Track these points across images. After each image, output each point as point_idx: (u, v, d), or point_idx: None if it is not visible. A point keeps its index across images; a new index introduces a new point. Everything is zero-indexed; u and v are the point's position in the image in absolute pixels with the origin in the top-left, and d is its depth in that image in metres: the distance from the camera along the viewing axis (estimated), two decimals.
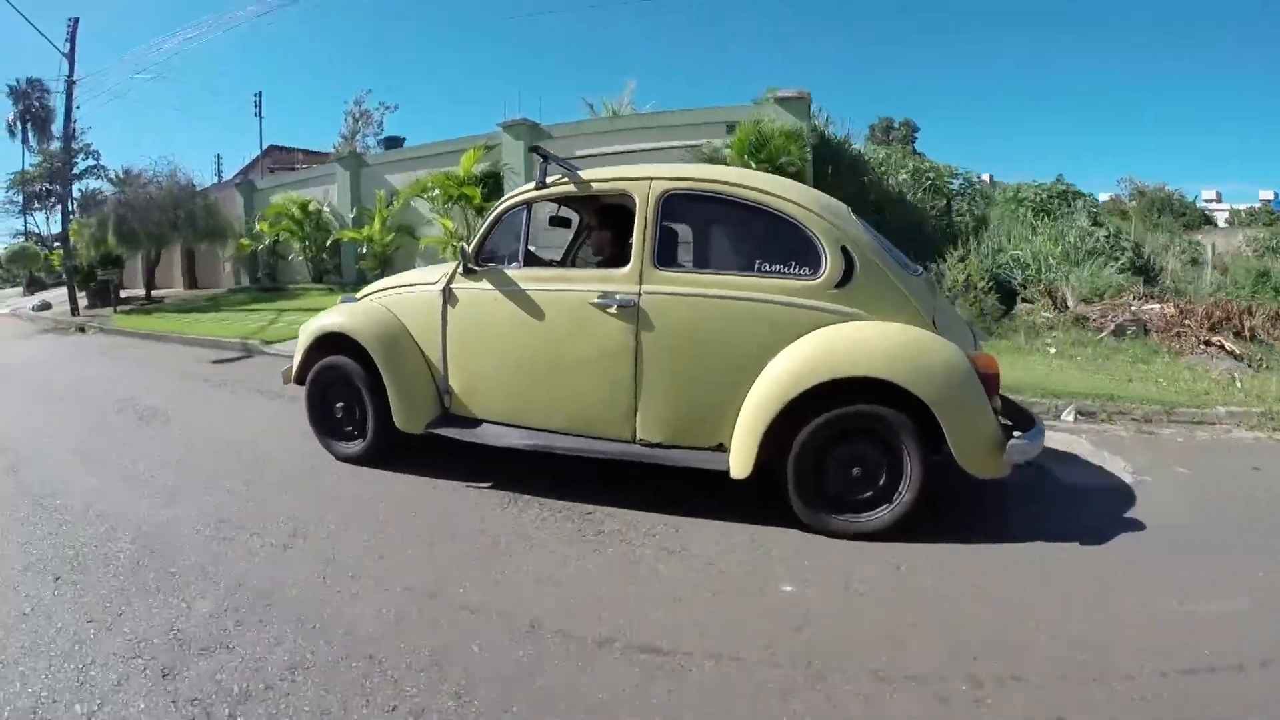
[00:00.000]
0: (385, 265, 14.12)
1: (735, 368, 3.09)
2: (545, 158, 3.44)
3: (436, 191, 13.11)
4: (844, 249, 3.06)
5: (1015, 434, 3.07)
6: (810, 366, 2.95)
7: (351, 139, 28.83)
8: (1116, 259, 10.47)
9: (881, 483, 3.01)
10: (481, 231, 3.59)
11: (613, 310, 3.19)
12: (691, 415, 3.20)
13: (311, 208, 16.77)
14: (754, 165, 9.18)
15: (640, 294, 3.16)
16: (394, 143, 20.44)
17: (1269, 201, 33.19)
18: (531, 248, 3.58)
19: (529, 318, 3.38)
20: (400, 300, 3.87)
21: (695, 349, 3.14)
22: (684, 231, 3.31)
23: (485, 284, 3.51)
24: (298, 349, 4.12)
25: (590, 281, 3.29)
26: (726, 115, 11.41)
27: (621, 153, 11.47)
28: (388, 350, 3.72)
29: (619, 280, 3.22)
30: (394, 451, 3.84)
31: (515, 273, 3.46)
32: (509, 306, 3.43)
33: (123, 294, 16.95)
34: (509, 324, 3.44)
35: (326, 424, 4.04)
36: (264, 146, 32.78)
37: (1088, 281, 9.36)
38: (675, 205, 3.21)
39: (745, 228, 3.26)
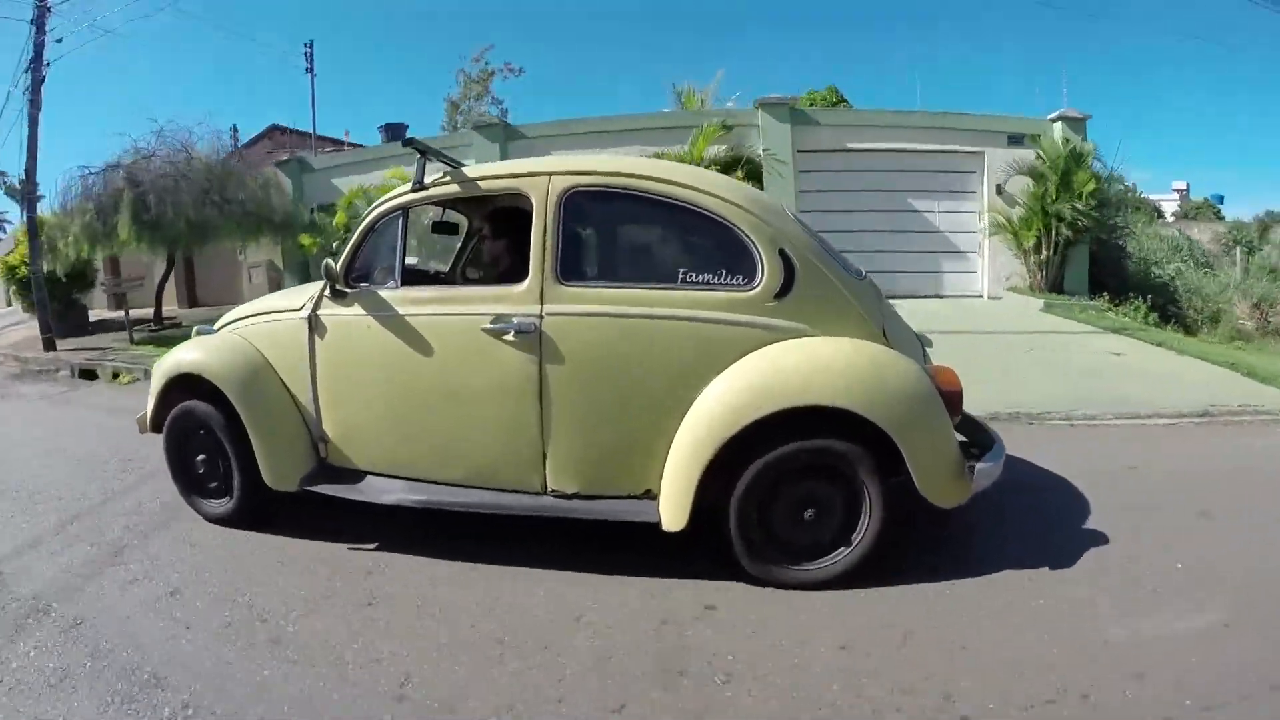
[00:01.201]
0: None
1: (661, 400, 2.52)
2: (422, 152, 2.78)
3: None
4: (782, 252, 2.53)
5: (975, 456, 2.64)
6: (752, 396, 2.41)
7: (458, 110, 21.65)
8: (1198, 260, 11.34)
9: (837, 523, 2.52)
10: (351, 245, 2.91)
11: (509, 337, 2.57)
12: (612, 459, 2.61)
13: None
14: (1057, 192, 8.96)
15: (542, 316, 2.55)
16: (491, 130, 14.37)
17: (1183, 191, 34.58)
18: (414, 260, 2.93)
19: (409, 349, 2.72)
20: (262, 331, 3.14)
21: (612, 380, 2.55)
22: (592, 238, 2.71)
23: (357, 309, 2.83)
24: (151, 391, 3.34)
25: (480, 302, 2.65)
26: (1010, 126, 10.63)
27: (894, 150, 10.53)
28: (248, 393, 2.99)
29: (515, 299, 2.59)
30: (278, 504, 3.09)
31: (391, 294, 2.78)
32: (385, 336, 2.75)
33: (95, 317, 12.49)
34: (386, 357, 2.77)
35: (189, 479, 3.27)
36: (312, 116, 23.80)
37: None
38: (580, 206, 2.61)
39: (666, 231, 2.70)
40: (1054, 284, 10.10)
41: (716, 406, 2.45)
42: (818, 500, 2.51)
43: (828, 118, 11.24)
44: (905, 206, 10.78)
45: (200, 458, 3.20)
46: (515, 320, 2.55)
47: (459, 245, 3.69)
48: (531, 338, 2.54)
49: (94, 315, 12.74)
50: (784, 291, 2.52)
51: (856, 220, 10.43)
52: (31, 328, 11.52)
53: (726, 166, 10.03)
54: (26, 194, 10.86)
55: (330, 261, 2.83)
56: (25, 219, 11.67)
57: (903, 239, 10.66)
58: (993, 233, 10.58)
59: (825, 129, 10.96)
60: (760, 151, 10.57)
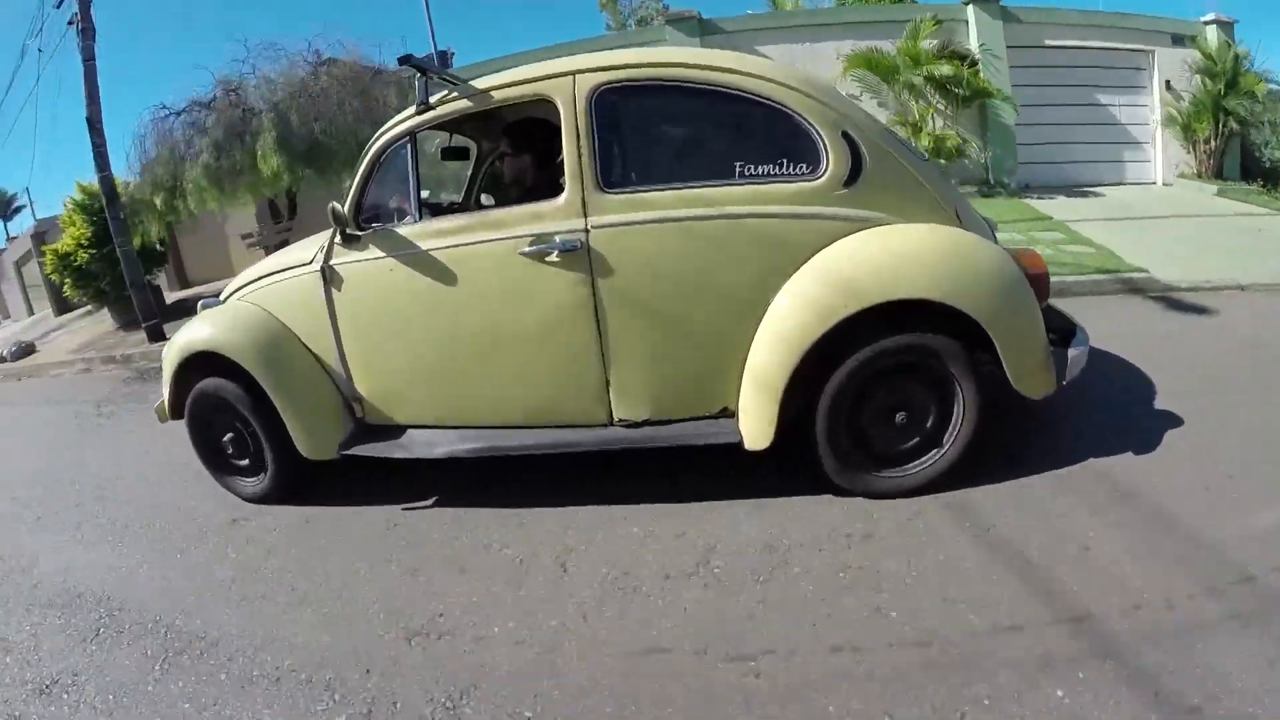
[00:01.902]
0: None
1: (732, 308, 2.27)
2: (422, 70, 2.42)
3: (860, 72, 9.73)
4: (846, 135, 2.24)
5: (1054, 343, 2.41)
6: (835, 294, 2.16)
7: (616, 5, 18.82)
8: None
9: (929, 425, 2.32)
10: (357, 182, 2.56)
11: (553, 258, 2.28)
12: (682, 379, 2.37)
13: None
14: (1226, 90, 9.67)
15: (587, 230, 2.25)
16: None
17: None
18: (425, 193, 2.60)
19: (441, 286, 2.42)
20: (273, 293, 2.83)
21: (673, 292, 2.28)
22: (632, 139, 2.37)
23: (375, 251, 2.52)
24: (164, 377, 3.04)
25: (514, 225, 2.33)
26: (1173, 27, 11.10)
27: (1081, 47, 10.69)
28: (270, 363, 2.70)
29: (554, 216, 2.29)
30: (318, 472, 2.84)
31: (411, 230, 2.46)
32: (411, 276, 2.45)
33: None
34: (416, 299, 2.47)
35: (219, 460, 3.02)
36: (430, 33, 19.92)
37: None
38: (613, 105, 2.27)
39: (714, 123, 2.37)
40: (1216, 172, 10.95)
41: (796, 308, 2.20)
42: (907, 401, 2.31)
43: (1029, 15, 10.96)
44: (1091, 100, 11.16)
45: (228, 437, 2.94)
46: (558, 238, 2.26)
47: (470, 173, 3.34)
48: (578, 255, 2.25)
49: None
50: (853, 178, 2.24)
51: (1050, 114, 10.76)
52: (85, 328, 10.54)
53: (945, 61, 9.82)
54: (96, 148, 8.01)
55: (336, 205, 2.50)
56: (64, 207, 9.97)
57: (1090, 131, 11.10)
58: (1165, 124, 11.20)
59: (1026, 26, 10.85)
60: (976, 47, 10.39)
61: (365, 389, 2.68)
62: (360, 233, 2.54)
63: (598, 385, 2.38)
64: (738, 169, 2.26)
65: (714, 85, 2.25)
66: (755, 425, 2.27)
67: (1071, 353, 2.35)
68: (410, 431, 2.67)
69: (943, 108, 10.10)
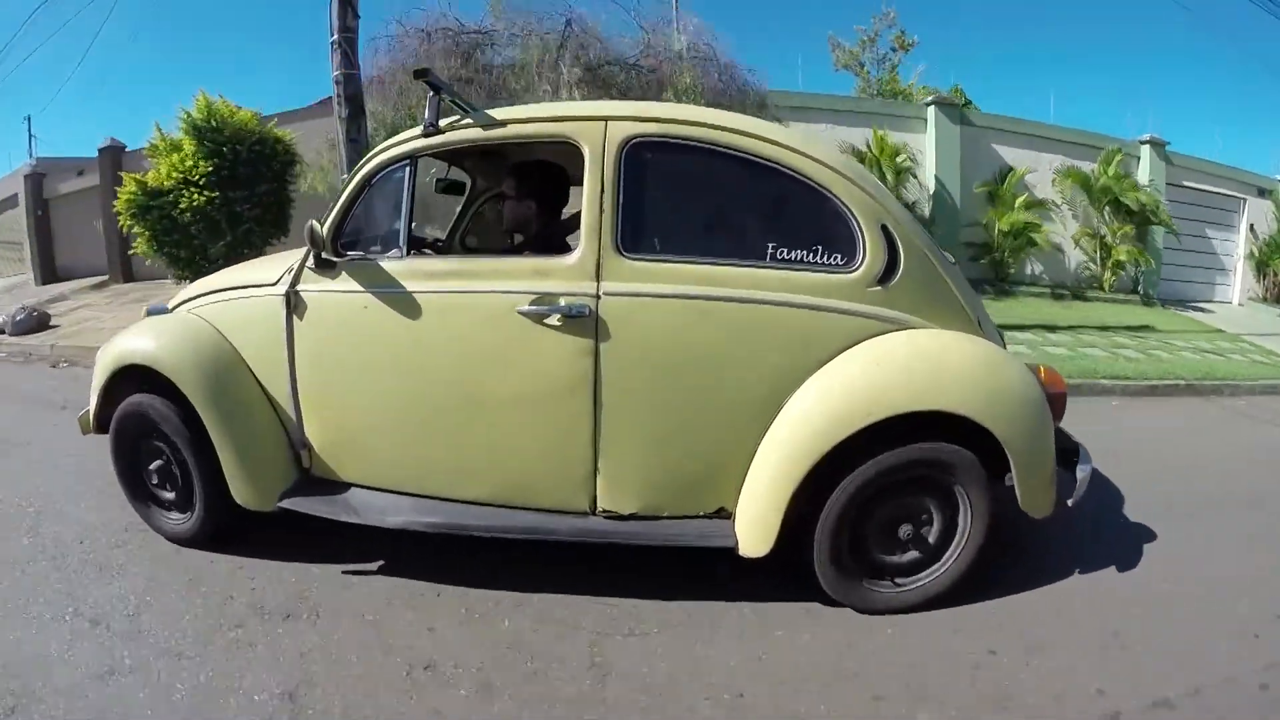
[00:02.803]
0: (1000, 268, 11.33)
1: (745, 401, 2.02)
2: (437, 88, 2.12)
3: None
4: (885, 229, 2.05)
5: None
6: (859, 400, 1.94)
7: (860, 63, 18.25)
8: None
9: (932, 540, 2.12)
10: (342, 202, 2.23)
11: (554, 321, 1.97)
12: (680, 472, 2.08)
13: (902, 160, 10.59)
14: None
15: (599, 295, 1.96)
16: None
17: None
18: (414, 225, 2.28)
19: (420, 335, 2.09)
20: (228, 311, 2.44)
21: (685, 376, 2.00)
22: (661, 200, 2.10)
23: (350, 284, 2.17)
24: (93, 385, 2.60)
25: (515, 277, 2.03)
26: (1260, 182, 14.25)
27: (1199, 189, 13.50)
28: (214, 390, 2.30)
29: (563, 275, 1.99)
30: (253, 518, 2.39)
31: (394, 266, 2.14)
32: (387, 318, 2.11)
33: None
34: (388, 346, 2.14)
35: (142, 488, 2.57)
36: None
37: None
38: (646, 160, 2.01)
39: (752, 196, 2.13)
40: (1277, 298, 13.87)
41: (815, 412, 1.96)
42: (911, 512, 2.11)
43: (1181, 160, 13.21)
44: (1200, 233, 13.71)
45: (155, 464, 2.50)
46: (563, 300, 1.96)
47: (459, 210, 3.03)
48: (585, 322, 1.95)
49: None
50: (887, 275, 2.05)
51: (1171, 240, 12.80)
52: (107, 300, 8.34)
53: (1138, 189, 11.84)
54: (344, 32, 5.42)
55: (315, 223, 2.16)
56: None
57: (1196, 257, 13.72)
58: (1246, 258, 14.08)
59: (1177, 168, 13.12)
60: (1145, 179, 12.43)
61: (317, 437, 2.30)
62: (337, 259, 2.20)
63: (584, 470, 2.06)
64: (770, 250, 2.02)
65: (758, 157, 2.03)
66: (753, 531, 2.01)
67: (1079, 474, 2.26)
68: (361, 492, 2.29)
69: (1115, 225, 11.93)
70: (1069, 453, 2.37)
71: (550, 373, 2.00)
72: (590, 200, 1.97)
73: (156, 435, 2.45)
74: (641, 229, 2.01)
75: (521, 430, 2.06)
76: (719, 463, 2.06)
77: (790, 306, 1.99)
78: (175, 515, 2.54)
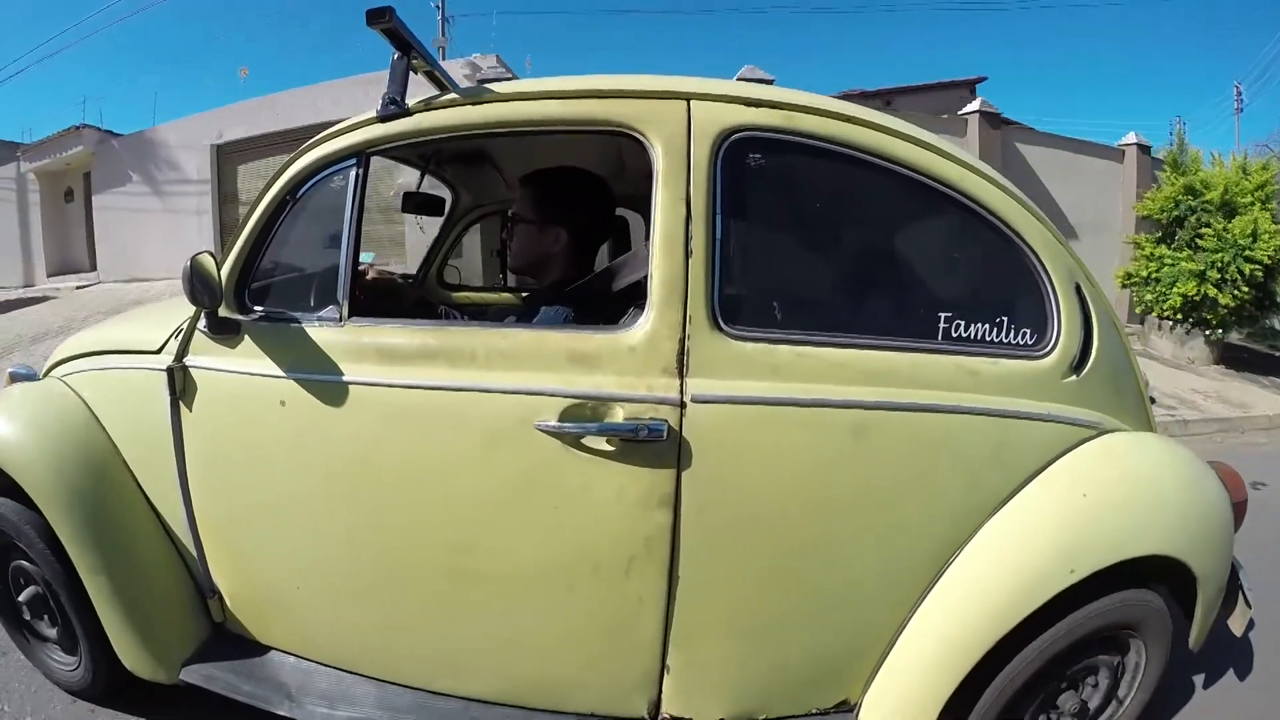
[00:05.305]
0: None
1: (899, 563, 1.21)
2: (403, 45, 1.20)
3: None
4: (1079, 290, 1.27)
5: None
6: (1061, 550, 1.21)
7: None
8: None
9: (1094, 703, 1.43)
10: (249, 228, 1.32)
11: (604, 444, 1.10)
12: (793, 660, 1.26)
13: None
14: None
15: (684, 402, 1.08)
16: None
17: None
18: (369, 260, 1.45)
19: (376, 457, 1.21)
20: (104, 383, 1.53)
21: (812, 527, 1.16)
22: (781, 241, 1.22)
23: (260, 360, 1.28)
24: None
25: (531, 363, 1.14)
26: None
27: None
28: (74, 499, 1.41)
29: (621, 362, 1.11)
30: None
31: (330, 335, 1.23)
32: (321, 425, 1.22)
33: None
34: (327, 467, 1.25)
35: (15, 617, 1.69)
36: None
37: None
38: (757, 169, 1.14)
39: (919, 236, 1.29)
40: None
41: (996, 572, 1.19)
42: (1079, 678, 1.40)
43: None
44: None
45: (28, 593, 1.62)
46: (621, 411, 1.08)
47: (436, 236, 2.13)
48: (659, 450, 1.08)
49: None
50: (1083, 360, 1.27)
51: None
52: None
53: None
54: None
55: (202, 260, 1.25)
56: None
57: None
58: None
59: None
60: None
61: (228, 584, 1.43)
62: (242, 318, 1.30)
63: (645, 665, 1.22)
64: (942, 325, 1.17)
65: (926, 175, 1.17)
66: None
67: (1242, 585, 1.50)
68: (297, 665, 1.42)
69: None
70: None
71: (596, 530, 1.13)
72: (666, 234, 1.09)
73: (22, 554, 1.57)
74: (752, 286, 1.14)
75: (547, 612, 1.20)
76: (849, 642, 1.25)
77: (974, 414, 1.17)
78: (63, 657, 1.67)
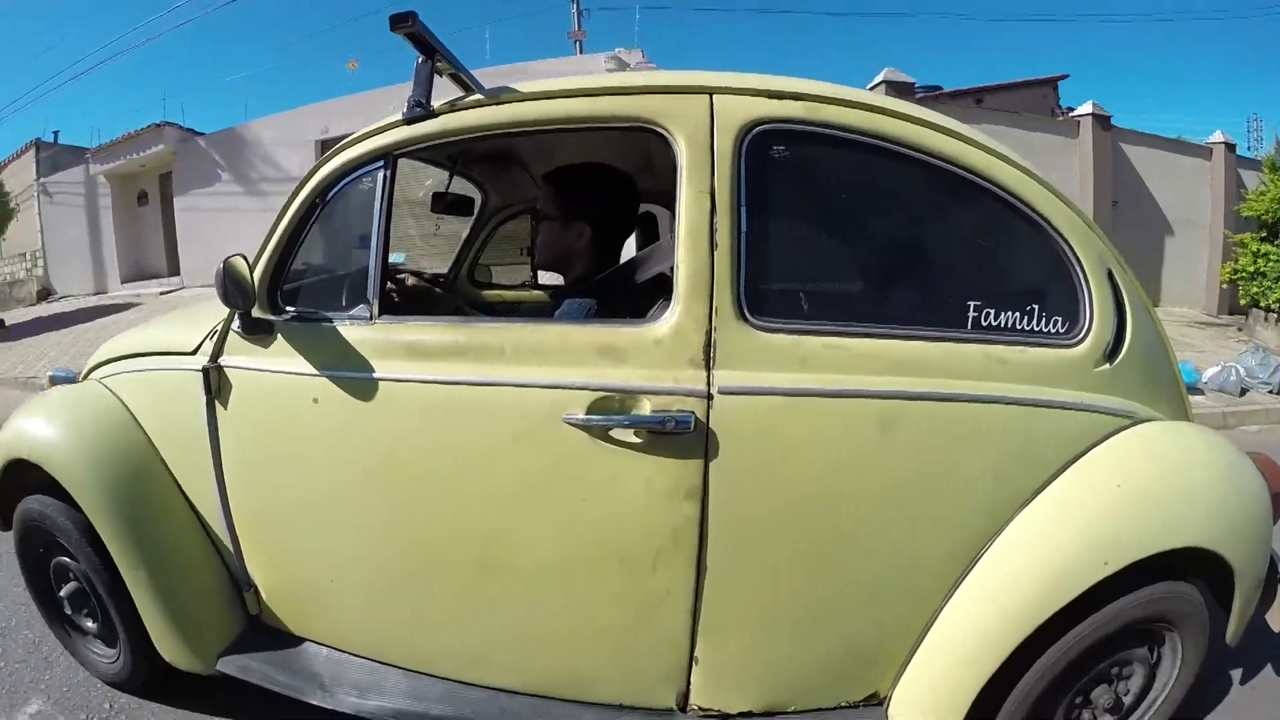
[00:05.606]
0: None
1: (929, 554, 1.20)
2: (427, 49, 1.21)
3: None
4: (1111, 277, 1.25)
5: None
6: (1095, 542, 1.19)
7: None
8: None
9: (1129, 698, 1.41)
10: (280, 231, 1.35)
11: (632, 437, 1.10)
12: (822, 652, 1.25)
13: None
14: None
15: (711, 394, 1.08)
16: None
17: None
18: (400, 260, 1.44)
19: (406, 451, 1.23)
20: (143, 385, 1.58)
21: (846, 522, 1.14)
22: (806, 234, 1.22)
23: (293, 359, 1.30)
24: None
25: (560, 358, 1.15)
26: None
27: None
28: (114, 496, 1.45)
29: (648, 355, 1.11)
30: None
31: (362, 333, 1.26)
32: (352, 419, 1.24)
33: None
34: (359, 462, 1.27)
35: (60, 613, 1.75)
36: None
37: None
38: (781, 161, 1.13)
39: (947, 225, 1.28)
40: None
41: (1029, 563, 1.17)
42: (1111, 672, 1.37)
43: None
44: None
45: (67, 589, 1.68)
46: (648, 403, 1.09)
47: (466, 236, 2.14)
48: (686, 441, 1.08)
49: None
50: (1116, 346, 1.24)
51: None
52: None
53: None
54: None
55: (235, 262, 1.28)
56: None
57: None
58: None
59: None
60: None
61: (264, 577, 1.46)
62: (275, 318, 1.33)
63: (674, 656, 1.22)
64: (971, 314, 1.15)
65: (956, 164, 1.17)
66: None
67: None
68: (330, 657, 1.45)
69: None
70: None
71: (623, 522, 1.13)
72: (691, 227, 1.09)
73: (63, 551, 1.62)
74: (778, 278, 1.13)
75: (574, 604, 1.21)
76: (878, 639, 1.24)
77: (1005, 403, 1.15)
78: (104, 651, 1.72)
